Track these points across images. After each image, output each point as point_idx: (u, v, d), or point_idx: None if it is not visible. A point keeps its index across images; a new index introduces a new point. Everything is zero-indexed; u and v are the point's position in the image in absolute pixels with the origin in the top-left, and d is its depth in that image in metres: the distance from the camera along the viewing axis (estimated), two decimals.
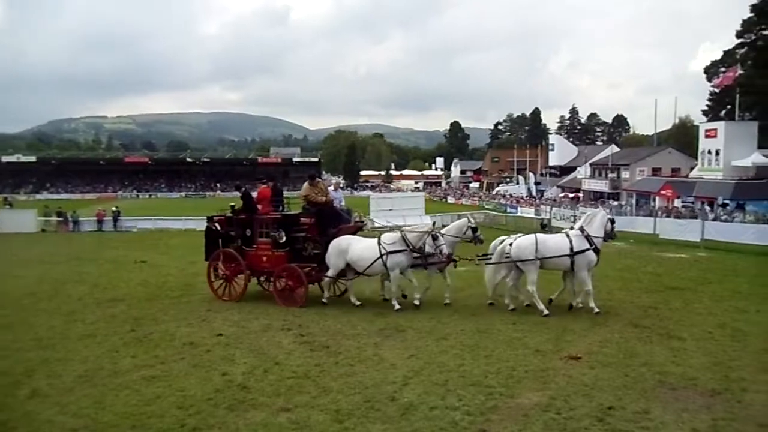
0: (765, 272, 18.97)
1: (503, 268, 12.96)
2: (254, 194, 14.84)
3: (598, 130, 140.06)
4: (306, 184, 14.28)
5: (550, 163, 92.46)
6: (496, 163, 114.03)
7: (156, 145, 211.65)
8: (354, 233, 14.07)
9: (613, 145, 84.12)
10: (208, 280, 14.52)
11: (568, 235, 12.66)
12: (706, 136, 53.41)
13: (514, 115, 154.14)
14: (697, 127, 61.53)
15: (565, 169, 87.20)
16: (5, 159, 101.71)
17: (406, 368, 8.83)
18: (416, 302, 12.78)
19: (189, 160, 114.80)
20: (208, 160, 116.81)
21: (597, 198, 65.60)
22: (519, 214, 54.13)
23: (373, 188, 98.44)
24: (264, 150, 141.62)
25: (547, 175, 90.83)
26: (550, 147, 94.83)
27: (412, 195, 55.07)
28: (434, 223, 13.75)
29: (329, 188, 15.18)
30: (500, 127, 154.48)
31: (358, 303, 13.25)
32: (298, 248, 13.50)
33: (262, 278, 14.77)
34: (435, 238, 12.67)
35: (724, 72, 56.78)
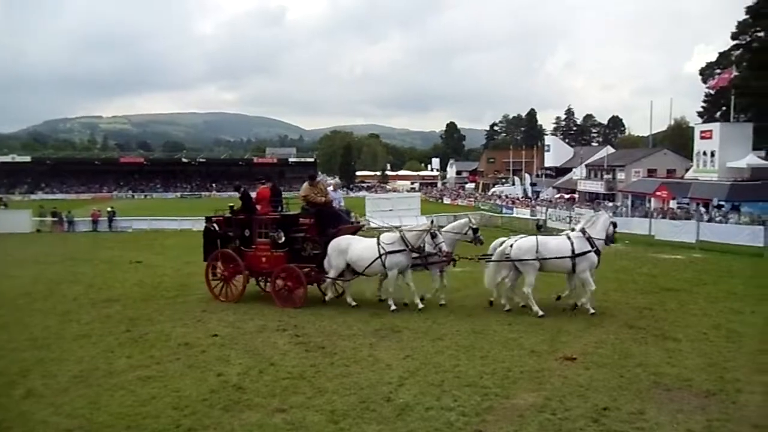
0: (760, 273, 19.02)
1: (504, 268, 12.94)
2: (253, 194, 14.79)
3: (594, 131, 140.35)
4: (306, 184, 14.26)
5: (546, 164, 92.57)
6: (491, 163, 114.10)
7: (151, 146, 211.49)
8: (353, 234, 14.05)
9: (609, 146, 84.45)
10: (206, 280, 14.48)
11: (569, 237, 12.66)
12: (702, 138, 53.56)
13: (510, 116, 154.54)
14: (693, 128, 61.71)
15: (561, 170, 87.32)
16: (0, 159, 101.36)
17: (401, 369, 8.82)
18: (419, 306, 12.67)
19: (184, 160, 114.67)
20: (203, 160, 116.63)
21: (592, 199, 65.66)
22: (514, 215, 54.13)
23: (368, 189, 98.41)
24: (260, 150, 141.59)
25: (543, 176, 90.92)
26: (546, 148, 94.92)
27: (408, 196, 55.08)
28: (432, 221, 13.71)
29: (328, 188, 15.15)
30: (496, 128, 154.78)
31: (354, 304, 13.23)
32: (297, 249, 13.47)
33: (260, 279, 14.73)
34: (434, 236, 12.66)
35: (719, 73, 57.04)
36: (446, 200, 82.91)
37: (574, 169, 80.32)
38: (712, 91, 63.87)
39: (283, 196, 15.40)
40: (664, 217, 38.64)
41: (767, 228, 25.76)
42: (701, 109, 70.22)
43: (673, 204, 48.72)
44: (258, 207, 14.29)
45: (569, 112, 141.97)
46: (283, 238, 13.43)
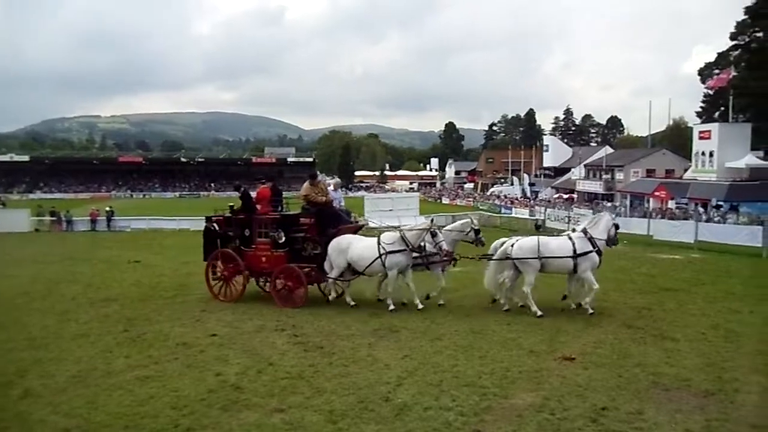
0: (758, 273, 19.03)
1: (505, 268, 12.91)
2: (253, 194, 14.76)
3: (593, 131, 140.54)
4: (306, 184, 14.22)
5: (545, 164, 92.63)
6: (490, 164, 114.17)
7: (150, 145, 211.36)
8: (354, 233, 14.03)
9: (608, 147, 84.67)
10: (206, 280, 14.45)
11: (570, 238, 12.64)
12: (700, 138, 53.64)
13: (509, 116, 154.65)
14: (691, 128, 61.78)
15: (560, 170, 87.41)
16: None
17: (400, 369, 8.82)
18: (419, 306, 12.65)
19: (183, 160, 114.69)
20: (202, 160, 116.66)
21: (591, 199, 65.73)
22: (513, 214, 54.25)
23: (367, 189, 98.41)
24: (258, 150, 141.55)
25: (542, 176, 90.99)
26: (545, 148, 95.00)
27: (407, 195, 55.12)
28: (432, 220, 13.71)
29: (329, 188, 15.10)
30: (495, 128, 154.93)
31: (353, 303, 13.22)
32: (297, 248, 13.43)
33: (260, 279, 14.71)
34: (434, 235, 12.65)
35: (717, 74, 57.09)
36: (445, 200, 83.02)
37: (572, 169, 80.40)
38: (710, 92, 63.98)
39: (283, 195, 15.37)
40: (662, 218, 38.67)
41: (765, 228, 25.78)
42: (700, 110, 70.33)
43: (671, 204, 48.78)
44: (258, 207, 14.25)
45: (568, 113, 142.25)
46: (284, 238, 13.40)
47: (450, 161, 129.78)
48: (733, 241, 26.44)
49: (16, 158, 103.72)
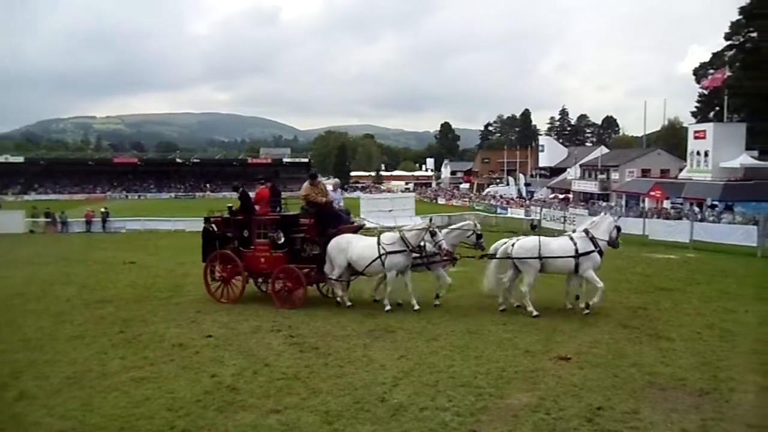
0: (753, 273, 19.10)
1: (506, 269, 12.89)
2: (252, 195, 14.71)
3: (588, 131, 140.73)
4: (306, 184, 14.18)
5: (540, 164, 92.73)
6: (486, 164, 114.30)
7: (145, 146, 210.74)
8: (354, 234, 13.99)
9: (603, 147, 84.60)
10: (204, 281, 14.40)
11: (571, 238, 12.63)
12: (695, 138, 53.81)
13: (505, 117, 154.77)
14: (686, 128, 62.00)
15: (555, 170, 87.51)
16: None
17: (395, 369, 8.82)
18: (415, 306, 12.62)
19: (178, 160, 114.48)
20: (197, 160, 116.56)
21: (587, 199, 65.86)
22: (509, 215, 54.28)
23: (363, 189, 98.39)
24: (254, 151, 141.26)
25: (537, 176, 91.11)
26: (540, 148, 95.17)
27: (403, 196, 55.09)
28: (431, 219, 13.68)
29: (328, 188, 15.06)
30: (490, 128, 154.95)
31: (349, 304, 13.21)
32: (296, 249, 13.39)
33: (259, 280, 14.67)
34: (433, 234, 12.62)
35: (712, 74, 57.20)
36: (441, 200, 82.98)
37: (568, 170, 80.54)
38: (705, 92, 64.14)
39: (282, 196, 15.32)
40: (658, 217, 38.75)
41: (760, 227, 25.85)
42: (695, 110, 70.54)
43: (667, 204, 48.90)
44: (257, 207, 14.20)
45: (563, 113, 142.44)
46: (283, 239, 13.36)
47: (446, 161, 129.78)
48: (728, 241, 26.50)
49: (11, 159, 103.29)
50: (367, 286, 14.03)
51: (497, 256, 12.99)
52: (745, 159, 49.73)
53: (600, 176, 69.67)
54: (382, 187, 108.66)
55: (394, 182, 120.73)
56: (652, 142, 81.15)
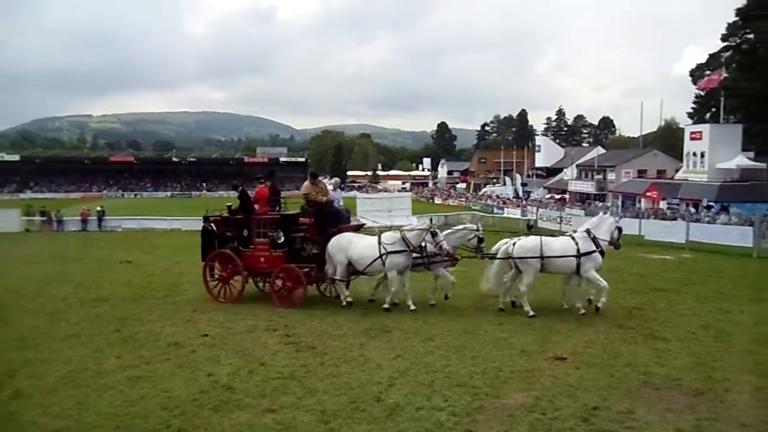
0: (748, 273, 19.16)
1: (508, 269, 12.87)
2: (251, 194, 14.65)
3: (585, 131, 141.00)
4: (307, 183, 14.14)
5: (537, 165, 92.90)
6: (482, 164, 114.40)
7: (141, 145, 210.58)
8: (354, 233, 13.95)
9: (600, 147, 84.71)
10: (204, 281, 14.35)
11: (573, 238, 12.61)
12: (692, 139, 53.92)
13: (501, 117, 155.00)
14: (683, 129, 62.14)
15: (552, 171, 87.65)
16: None
17: (392, 369, 8.82)
18: (411, 306, 12.59)
19: (175, 159, 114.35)
20: (194, 159, 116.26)
21: (583, 200, 65.95)
22: (505, 215, 54.36)
23: (359, 189, 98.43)
24: (250, 150, 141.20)
25: (534, 176, 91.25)
26: (537, 148, 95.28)
27: (399, 195, 55.09)
28: (431, 220, 13.65)
29: (328, 188, 15.01)
30: (487, 128, 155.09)
31: (349, 300, 13.20)
32: (296, 249, 13.35)
33: (258, 279, 14.64)
34: (434, 235, 12.59)
35: (709, 75, 57.31)
36: (437, 200, 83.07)
37: (564, 170, 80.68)
38: (702, 93, 64.23)
39: (282, 195, 15.27)
40: (654, 218, 38.82)
41: (755, 228, 25.94)
42: (691, 111, 70.62)
43: (663, 204, 49.00)
44: (256, 206, 14.15)
45: (560, 113, 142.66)
46: (283, 238, 13.32)
47: (442, 161, 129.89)
48: (724, 242, 26.61)
49: (7, 158, 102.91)
50: (364, 286, 14.00)
51: (498, 256, 12.96)
52: (741, 160, 49.86)
53: (596, 177, 69.77)
54: (379, 187, 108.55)
55: (390, 182, 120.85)
56: (648, 143, 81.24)
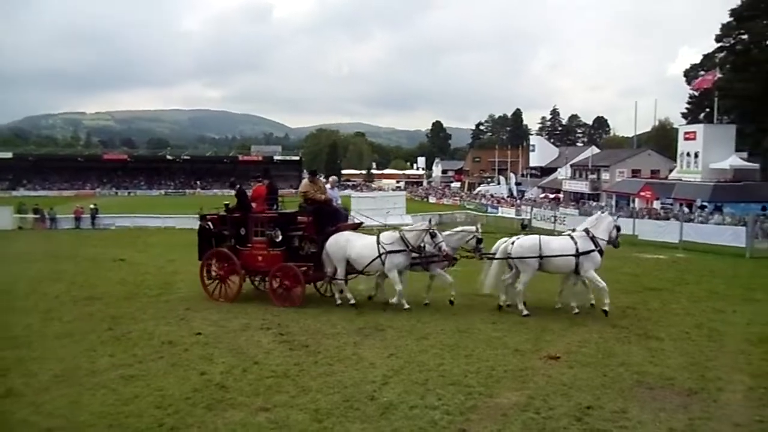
0: (741, 273, 19.22)
1: (506, 269, 12.85)
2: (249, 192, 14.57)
3: (579, 131, 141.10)
4: (305, 181, 14.10)
5: (531, 164, 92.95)
6: (477, 163, 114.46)
7: (135, 142, 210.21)
8: (353, 231, 13.91)
9: (594, 147, 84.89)
10: (201, 280, 14.29)
11: (572, 237, 12.59)
12: (685, 139, 54.10)
13: (496, 116, 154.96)
14: (677, 129, 62.35)
15: (546, 170, 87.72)
16: None
17: (385, 367, 8.82)
18: (405, 306, 12.55)
19: (169, 157, 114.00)
20: (188, 157, 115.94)
21: (577, 199, 66.07)
22: (500, 214, 54.43)
23: (354, 187, 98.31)
24: (245, 148, 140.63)
25: (528, 175, 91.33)
26: (531, 148, 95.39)
27: (394, 194, 55.11)
28: (430, 221, 13.64)
29: (326, 186, 14.94)
30: (482, 127, 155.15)
31: (339, 303, 13.17)
32: (294, 247, 13.30)
33: (256, 278, 14.61)
34: (433, 236, 12.57)
35: (703, 75, 57.46)
36: (432, 199, 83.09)
37: (559, 169, 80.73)
38: (696, 93, 64.38)
39: (279, 194, 15.21)
40: (648, 218, 38.93)
41: (749, 228, 26.04)
42: (685, 111, 70.74)
43: (656, 204, 49.13)
44: (254, 205, 14.09)
45: (554, 113, 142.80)
46: (281, 237, 13.28)
47: (437, 160, 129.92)
48: (717, 242, 26.71)
49: (0, 155, 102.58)
50: (361, 285, 13.98)
51: (497, 255, 12.93)
52: (735, 160, 50.06)
53: (590, 176, 69.92)
54: (373, 186, 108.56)
55: (385, 180, 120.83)
56: (642, 143, 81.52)
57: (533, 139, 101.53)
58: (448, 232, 13.40)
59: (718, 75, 53.93)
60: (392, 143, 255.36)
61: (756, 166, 51.73)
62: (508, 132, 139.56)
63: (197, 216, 15.01)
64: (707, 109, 61.21)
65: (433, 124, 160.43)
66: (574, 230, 13.11)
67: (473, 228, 13.46)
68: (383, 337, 10.59)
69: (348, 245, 12.93)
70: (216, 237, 14.11)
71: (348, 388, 7.98)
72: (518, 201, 65.94)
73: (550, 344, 10.09)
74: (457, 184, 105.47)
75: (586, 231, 12.51)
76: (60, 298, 14.58)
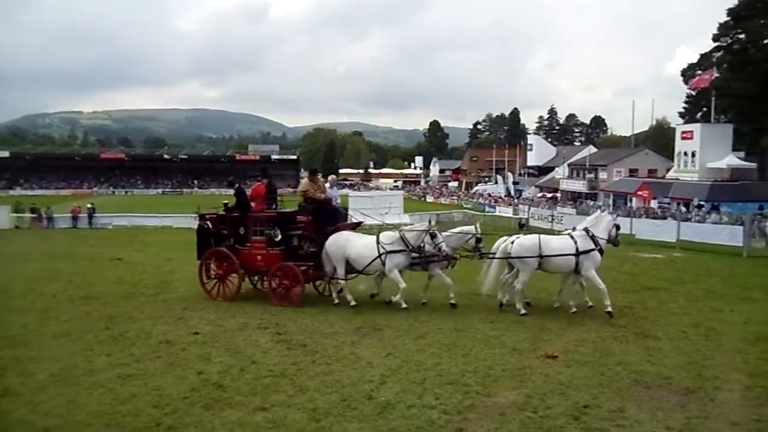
0: (738, 272, 19.24)
1: (506, 268, 12.83)
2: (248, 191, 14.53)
3: (577, 130, 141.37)
4: (305, 180, 14.05)
5: (529, 163, 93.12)
6: (474, 162, 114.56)
7: (132, 142, 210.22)
8: (352, 231, 13.88)
9: (591, 146, 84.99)
10: (200, 279, 14.24)
11: (572, 237, 12.55)
12: (683, 138, 54.23)
13: (494, 115, 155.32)
14: (674, 129, 62.53)
15: (544, 169, 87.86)
16: None
17: (383, 367, 8.81)
18: (402, 305, 12.53)
19: (166, 156, 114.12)
20: (185, 156, 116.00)
21: (575, 198, 66.15)
22: (497, 213, 54.49)
23: (351, 187, 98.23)
24: (242, 147, 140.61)
25: (526, 175, 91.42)
26: (529, 147, 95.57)
27: (391, 194, 55.04)
28: (430, 221, 13.62)
29: (325, 185, 14.90)
30: (479, 126, 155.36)
31: (336, 302, 13.17)
32: (293, 246, 13.26)
33: (255, 278, 14.58)
34: (433, 236, 12.54)
35: (700, 74, 57.57)
36: (429, 198, 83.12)
37: (556, 168, 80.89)
38: (693, 92, 64.49)
39: (278, 193, 15.17)
40: (645, 217, 38.97)
41: (746, 228, 26.08)
42: (683, 110, 70.92)
43: (654, 203, 49.21)
44: (253, 204, 14.05)
45: (552, 112, 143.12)
46: (280, 236, 13.25)
47: (434, 159, 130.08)
48: (714, 241, 26.75)
49: None
50: (360, 285, 13.96)
51: (497, 255, 12.89)
52: (732, 160, 50.19)
53: (588, 175, 70.05)
54: (371, 185, 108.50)
55: (382, 180, 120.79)
56: (640, 142, 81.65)
57: (531, 139, 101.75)
58: (447, 233, 13.38)
59: (716, 74, 54.05)
60: (390, 142, 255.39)
61: (753, 165, 51.87)
62: (506, 131, 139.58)
63: (195, 215, 14.93)
64: (704, 109, 61.39)
65: (431, 123, 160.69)
66: (573, 229, 13.09)
67: (473, 228, 13.45)
68: (381, 336, 10.58)
69: (347, 245, 12.90)
70: (215, 236, 14.07)
71: (345, 387, 7.97)
72: (515, 200, 66.02)
73: (547, 343, 10.09)
74: (455, 184, 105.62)
75: (586, 230, 12.49)
76: (57, 298, 14.55)
